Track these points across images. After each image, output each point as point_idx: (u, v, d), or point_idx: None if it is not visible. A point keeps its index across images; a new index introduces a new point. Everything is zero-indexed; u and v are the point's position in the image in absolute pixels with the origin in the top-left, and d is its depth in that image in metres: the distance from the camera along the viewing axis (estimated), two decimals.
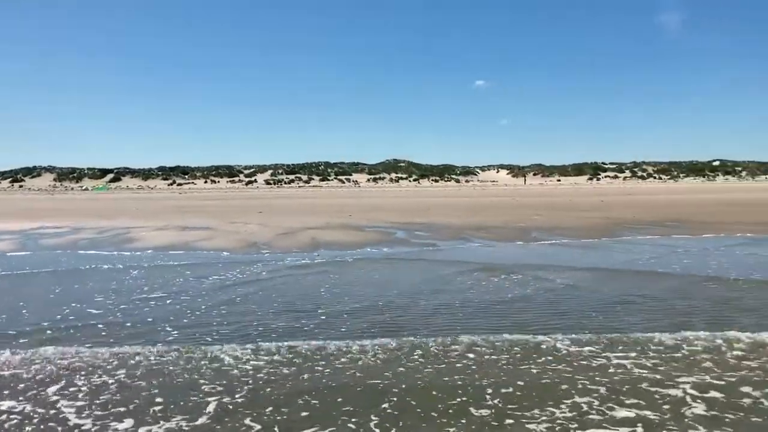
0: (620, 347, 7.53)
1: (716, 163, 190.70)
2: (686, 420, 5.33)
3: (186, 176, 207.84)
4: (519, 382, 6.30)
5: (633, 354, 7.23)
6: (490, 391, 6.10)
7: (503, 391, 6.09)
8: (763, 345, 7.52)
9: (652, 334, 8.09)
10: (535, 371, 6.66)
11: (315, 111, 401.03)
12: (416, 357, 7.24)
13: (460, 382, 6.36)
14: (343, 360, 7.14)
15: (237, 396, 6.06)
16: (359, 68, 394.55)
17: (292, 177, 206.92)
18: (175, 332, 8.55)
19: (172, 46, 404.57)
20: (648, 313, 9.45)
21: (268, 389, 6.24)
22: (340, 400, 5.95)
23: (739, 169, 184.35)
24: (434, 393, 6.07)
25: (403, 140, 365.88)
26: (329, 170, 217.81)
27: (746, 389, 6.05)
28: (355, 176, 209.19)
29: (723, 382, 6.25)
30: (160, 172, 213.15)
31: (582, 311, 9.64)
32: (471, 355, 7.25)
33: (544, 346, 7.57)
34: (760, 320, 8.81)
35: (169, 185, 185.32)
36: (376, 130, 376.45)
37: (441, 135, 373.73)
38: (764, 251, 16.94)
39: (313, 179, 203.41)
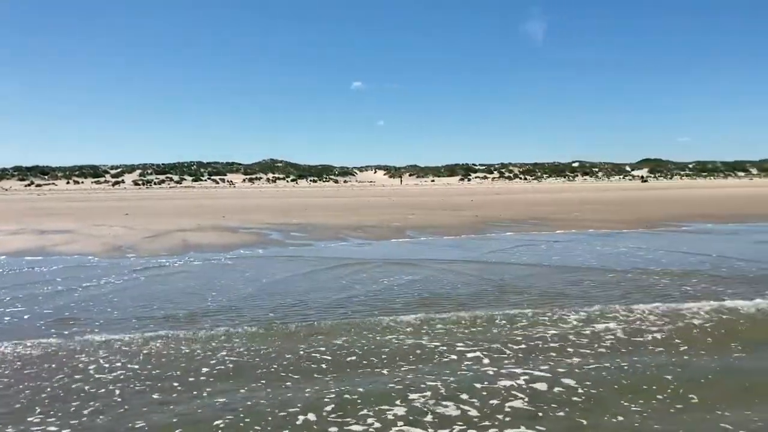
0: (439, 322, 8.74)
1: (575, 165, 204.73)
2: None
3: (46, 177, 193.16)
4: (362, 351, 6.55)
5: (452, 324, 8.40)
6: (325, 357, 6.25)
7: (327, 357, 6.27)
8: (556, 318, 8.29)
9: (477, 311, 9.38)
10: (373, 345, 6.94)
11: (187, 108, 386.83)
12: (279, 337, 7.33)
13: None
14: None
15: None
16: (235, 66, 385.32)
17: (162, 177, 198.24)
18: None
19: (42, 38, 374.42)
20: (485, 295, 10.81)
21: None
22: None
23: (596, 170, 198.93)
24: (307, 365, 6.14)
25: (281, 140, 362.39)
26: (202, 170, 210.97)
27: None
28: (230, 176, 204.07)
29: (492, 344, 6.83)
30: (15, 173, 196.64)
31: (430, 296, 10.80)
32: (320, 337, 7.40)
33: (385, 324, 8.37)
34: (570, 301, 9.98)
35: (26, 186, 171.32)
36: (253, 129, 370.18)
37: (319, 135, 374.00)
38: (603, 243, 18.59)
39: (185, 180, 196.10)
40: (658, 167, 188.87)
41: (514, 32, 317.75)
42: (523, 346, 7.59)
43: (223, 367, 6.93)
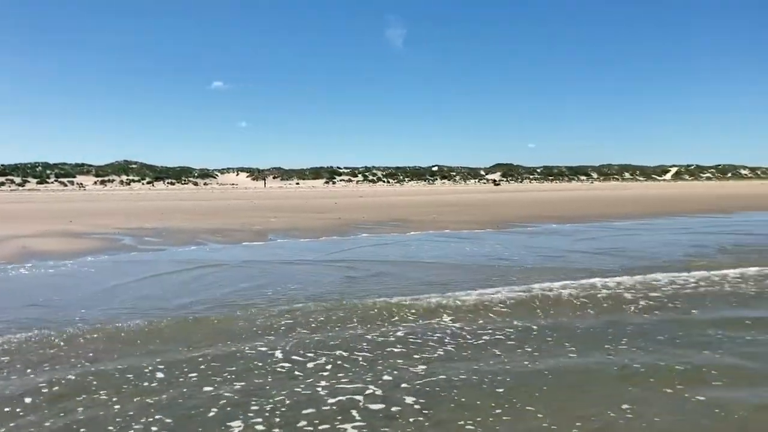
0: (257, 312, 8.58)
1: (435, 169, 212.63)
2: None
3: None
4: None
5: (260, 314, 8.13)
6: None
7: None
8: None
9: (301, 304, 9.22)
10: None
11: (29, 104, 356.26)
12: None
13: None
14: None
15: None
16: (86, 63, 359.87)
17: (2, 179, 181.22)
18: None
19: None
20: (327, 294, 10.88)
21: None
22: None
23: (454, 173, 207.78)
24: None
25: (136, 140, 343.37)
26: (48, 172, 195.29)
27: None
28: (79, 178, 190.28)
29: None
30: None
31: (275, 290, 11.16)
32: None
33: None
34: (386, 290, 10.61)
35: None
36: (104, 129, 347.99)
37: (178, 136, 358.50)
38: (449, 242, 19.81)
39: (28, 182, 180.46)
40: (510, 171, 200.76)
41: (378, 38, 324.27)
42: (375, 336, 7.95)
43: None
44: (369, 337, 8.33)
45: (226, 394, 6.21)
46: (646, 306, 10.03)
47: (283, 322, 9.14)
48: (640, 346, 7.70)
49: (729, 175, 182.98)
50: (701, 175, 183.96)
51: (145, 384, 6.54)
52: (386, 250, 18.62)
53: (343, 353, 7.57)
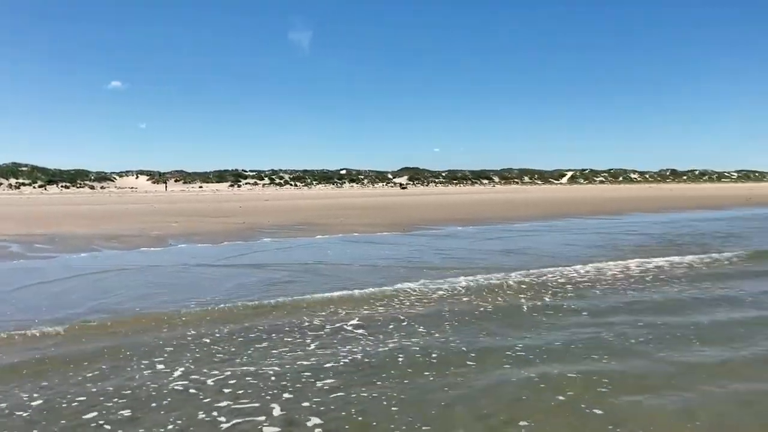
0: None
1: (343, 172, 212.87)
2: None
3: None
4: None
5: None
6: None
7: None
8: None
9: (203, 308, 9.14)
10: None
11: None
12: None
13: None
14: None
15: None
16: None
17: None
18: None
19: None
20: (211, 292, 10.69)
21: None
22: None
23: (362, 177, 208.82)
24: None
25: (27, 142, 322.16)
26: None
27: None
28: None
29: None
30: None
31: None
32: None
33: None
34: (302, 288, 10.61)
35: None
36: None
37: (74, 137, 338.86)
38: (356, 245, 19.93)
39: None
40: (417, 175, 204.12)
41: (282, 39, 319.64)
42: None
43: None
44: (266, 337, 8.25)
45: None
46: (533, 295, 10.57)
47: (169, 330, 8.88)
48: (489, 329, 8.16)
49: (620, 179, 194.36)
50: (595, 179, 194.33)
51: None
52: (290, 253, 18.50)
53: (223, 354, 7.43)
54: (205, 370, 7.08)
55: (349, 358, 7.55)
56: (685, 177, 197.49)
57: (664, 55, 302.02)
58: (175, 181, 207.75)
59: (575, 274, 13.54)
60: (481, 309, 10.21)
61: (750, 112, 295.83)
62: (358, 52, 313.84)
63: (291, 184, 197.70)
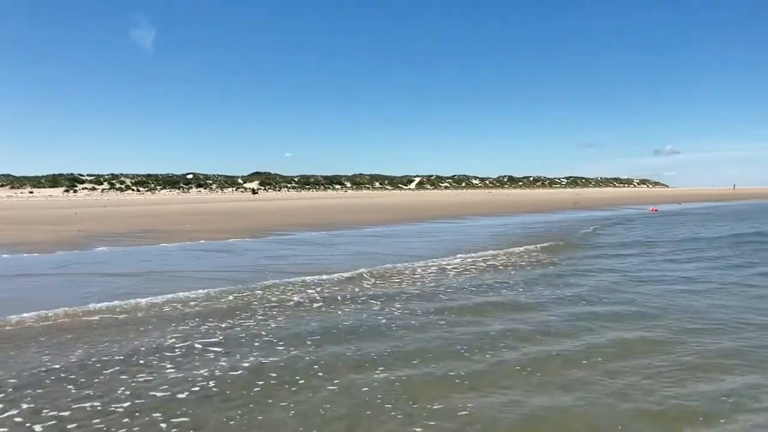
0: None
1: (190, 176, 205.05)
2: None
3: None
4: None
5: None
6: None
7: None
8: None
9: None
10: None
11: None
12: None
13: None
14: None
15: None
16: None
17: None
18: None
19: None
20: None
21: None
22: None
23: (210, 182, 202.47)
24: None
25: None
26: None
27: None
28: None
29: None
30: None
31: None
32: None
33: None
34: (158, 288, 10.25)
35: None
36: None
37: None
38: (201, 253, 19.48)
39: None
40: (268, 180, 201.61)
41: (123, 38, 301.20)
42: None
43: None
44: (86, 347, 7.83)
45: None
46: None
47: None
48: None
49: (463, 184, 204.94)
50: (440, 184, 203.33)
51: None
52: (128, 263, 17.54)
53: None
54: None
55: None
56: (521, 183, 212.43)
57: (492, 69, 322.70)
58: (2, 186, 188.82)
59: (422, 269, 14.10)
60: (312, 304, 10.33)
61: (578, 123, 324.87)
62: (206, 53, 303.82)
63: (133, 189, 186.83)
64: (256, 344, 8.55)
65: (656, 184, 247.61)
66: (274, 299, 11.62)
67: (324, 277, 14.05)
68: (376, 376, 7.18)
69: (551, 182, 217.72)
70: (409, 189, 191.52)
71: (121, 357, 7.93)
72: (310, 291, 12.43)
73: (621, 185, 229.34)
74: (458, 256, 18.06)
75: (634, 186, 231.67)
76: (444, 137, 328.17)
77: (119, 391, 6.71)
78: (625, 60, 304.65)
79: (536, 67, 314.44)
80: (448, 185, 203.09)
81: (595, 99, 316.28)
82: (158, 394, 6.65)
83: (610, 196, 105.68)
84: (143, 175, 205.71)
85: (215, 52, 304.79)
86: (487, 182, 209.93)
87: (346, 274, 14.41)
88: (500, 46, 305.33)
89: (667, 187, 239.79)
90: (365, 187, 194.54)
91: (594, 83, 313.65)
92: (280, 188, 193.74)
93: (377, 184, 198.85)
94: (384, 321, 9.89)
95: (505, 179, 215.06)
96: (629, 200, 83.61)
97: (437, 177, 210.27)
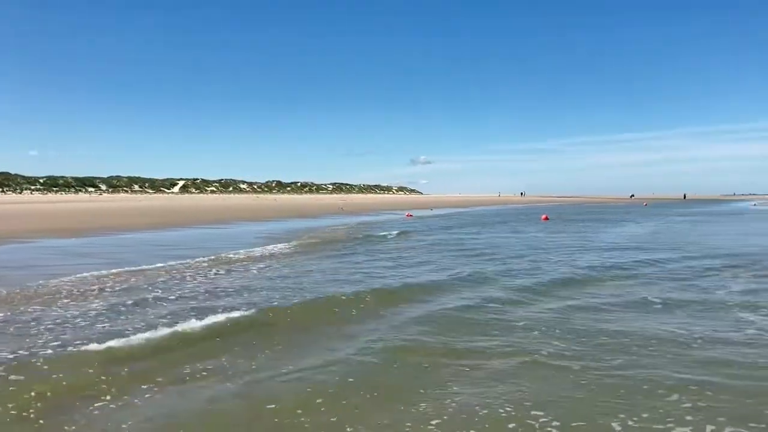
0: None
1: None
2: None
3: None
4: None
5: None
6: None
7: None
8: None
9: None
10: None
11: None
12: None
13: None
14: None
15: None
16: None
17: None
18: None
19: None
20: None
21: None
22: None
23: None
24: None
25: None
26: None
27: None
28: None
29: None
30: None
31: None
32: None
33: None
34: None
35: None
36: None
37: None
38: None
39: None
40: (7, 181, 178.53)
41: None
42: None
43: None
44: None
45: None
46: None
47: None
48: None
49: (231, 188, 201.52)
50: (206, 188, 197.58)
51: None
52: None
53: None
54: None
55: None
56: (289, 188, 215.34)
57: (261, 76, 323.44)
58: None
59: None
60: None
61: (345, 132, 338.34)
62: None
63: None
64: None
65: (412, 191, 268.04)
66: None
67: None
68: None
69: (318, 188, 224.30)
70: (173, 193, 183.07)
71: None
72: None
73: (382, 192, 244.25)
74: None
75: (394, 193, 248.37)
76: (210, 140, 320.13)
77: None
78: (390, 75, 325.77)
79: (304, 76, 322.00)
80: (215, 189, 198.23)
81: (357, 110, 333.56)
82: None
83: (372, 202, 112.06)
84: None
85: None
86: (255, 187, 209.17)
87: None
88: (272, 50, 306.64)
89: (421, 194, 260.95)
90: (123, 190, 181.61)
91: (354, 97, 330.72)
92: (22, 190, 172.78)
93: (137, 187, 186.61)
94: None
95: (274, 184, 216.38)
96: (389, 206, 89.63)
97: (203, 181, 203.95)
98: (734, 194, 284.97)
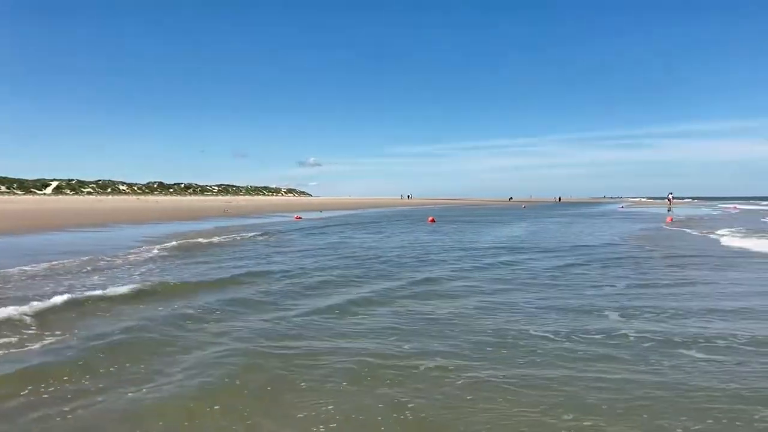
0: None
1: None
2: None
3: None
4: None
5: None
6: None
7: None
8: None
9: None
10: None
11: None
12: None
13: None
14: None
15: None
16: None
17: None
18: None
19: None
20: None
21: None
22: None
23: None
24: None
25: None
26: None
27: None
28: None
29: None
30: None
31: None
32: None
33: None
34: None
35: None
36: None
37: None
38: None
39: None
40: None
41: None
42: None
43: None
44: None
45: None
46: None
47: None
48: None
49: (109, 190, 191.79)
50: (83, 189, 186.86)
51: None
52: None
53: None
54: None
55: None
56: (172, 189, 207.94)
57: (146, 72, 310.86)
58: None
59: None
60: None
61: (232, 132, 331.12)
62: None
63: None
64: None
65: (302, 193, 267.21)
66: None
67: None
68: None
69: (203, 189, 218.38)
70: (46, 195, 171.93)
71: None
72: None
73: (271, 194, 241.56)
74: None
75: (283, 195, 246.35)
76: (86, 140, 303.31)
77: None
78: (273, 77, 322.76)
79: (190, 73, 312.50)
80: (92, 191, 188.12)
81: (247, 110, 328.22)
82: None
83: (260, 204, 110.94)
84: None
85: None
86: (136, 188, 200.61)
87: None
88: (156, 48, 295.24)
89: (311, 195, 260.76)
90: None
91: (249, 95, 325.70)
92: None
93: (3, 188, 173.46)
94: None
95: (155, 185, 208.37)
96: (278, 208, 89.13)
97: (79, 182, 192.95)
98: (604, 197, 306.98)
